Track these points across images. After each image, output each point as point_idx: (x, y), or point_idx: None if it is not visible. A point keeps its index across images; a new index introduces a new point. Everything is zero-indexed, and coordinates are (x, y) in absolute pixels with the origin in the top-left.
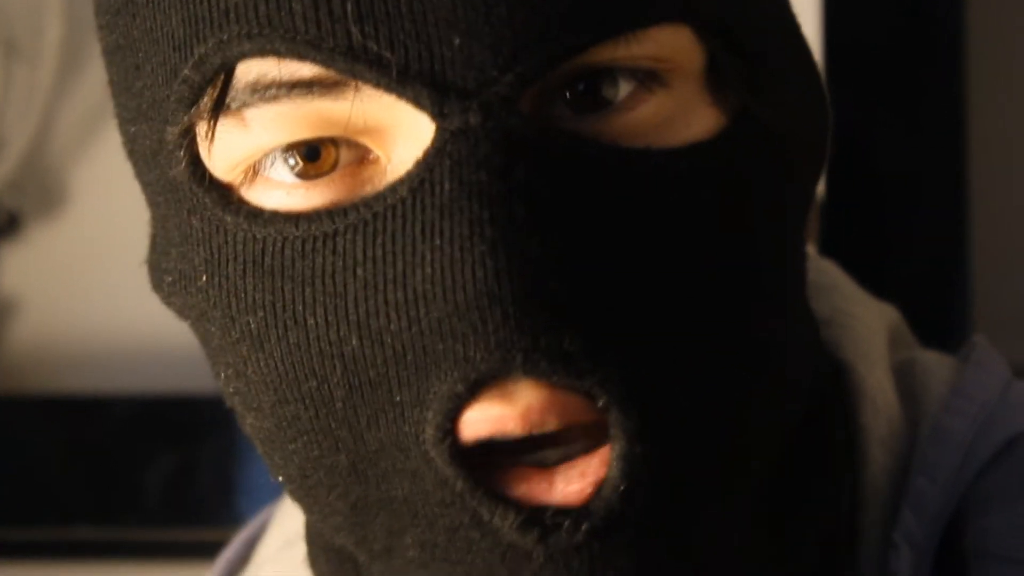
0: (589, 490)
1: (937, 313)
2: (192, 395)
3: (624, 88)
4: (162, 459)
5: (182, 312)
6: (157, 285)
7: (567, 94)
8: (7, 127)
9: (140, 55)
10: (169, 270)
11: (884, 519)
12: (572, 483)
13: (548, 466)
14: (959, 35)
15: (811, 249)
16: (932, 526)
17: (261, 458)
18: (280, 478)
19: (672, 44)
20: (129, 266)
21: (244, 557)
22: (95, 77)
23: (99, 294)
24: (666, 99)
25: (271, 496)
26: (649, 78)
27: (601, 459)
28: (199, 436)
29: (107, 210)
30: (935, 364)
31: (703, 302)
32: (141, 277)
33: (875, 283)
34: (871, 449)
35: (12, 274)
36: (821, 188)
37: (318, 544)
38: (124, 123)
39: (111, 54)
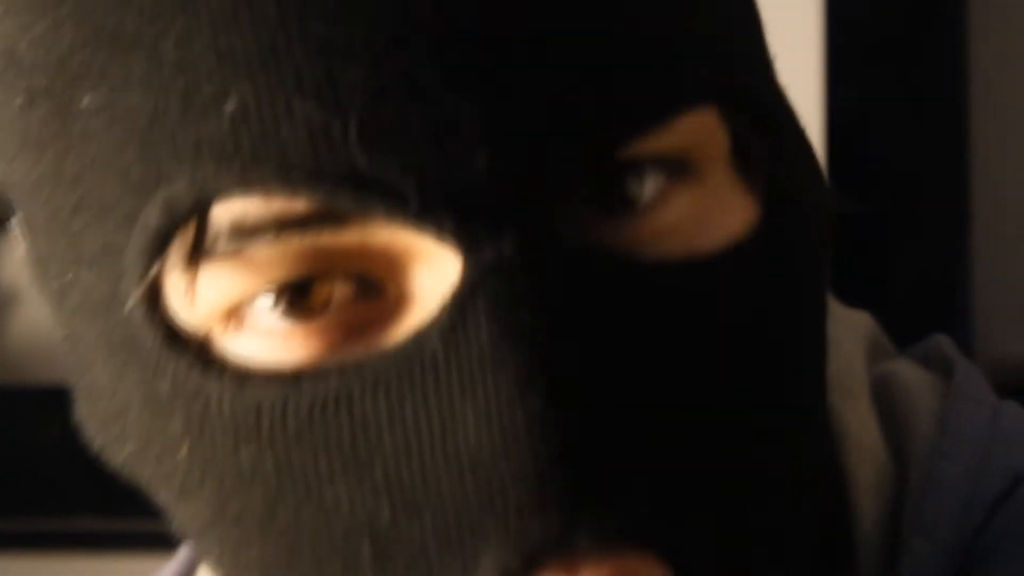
0: None
1: (939, 307)
2: None
3: (652, 183)
4: None
5: (152, 485)
6: (109, 450)
7: (588, 193)
8: None
9: (78, 193)
10: (127, 437)
11: (879, 572)
12: None
13: None
14: (961, 29)
15: None
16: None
17: None
18: None
19: (700, 127)
20: None
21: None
22: None
23: None
24: (698, 190)
25: None
26: (678, 169)
27: None
28: None
29: None
30: (916, 387)
31: (772, 430)
32: None
33: (876, 278)
34: (861, 499)
35: (11, 266)
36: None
37: None
38: (51, 271)
39: (32, 191)
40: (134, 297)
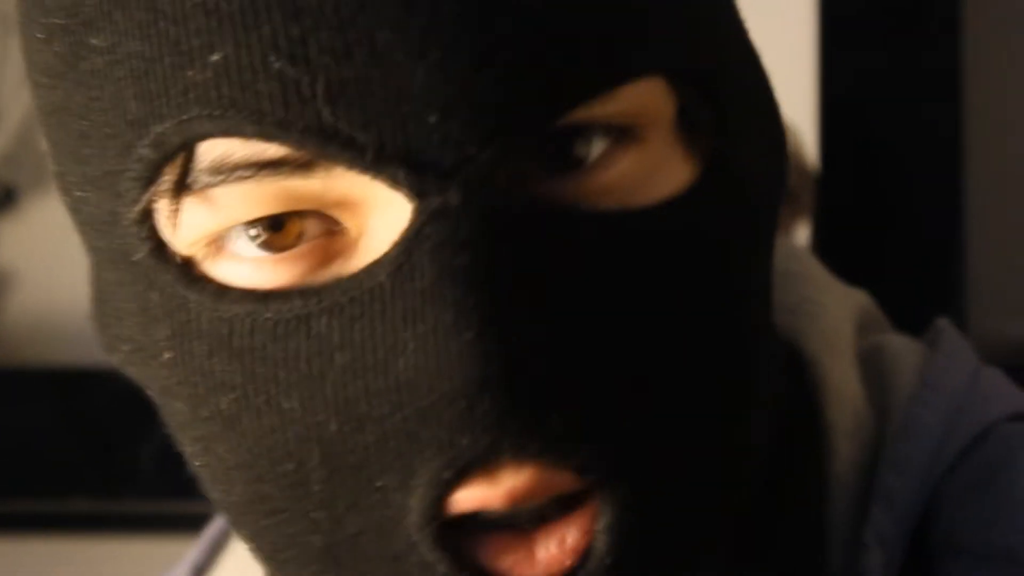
0: (570, 561)
1: (932, 287)
2: None
3: (598, 146)
4: (157, 432)
5: (141, 382)
6: (110, 349)
7: (538, 155)
8: (3, 100)
9: (86, 123)
10: (124, 339)
11: (852, 515)
12: (552, 551)
13: (524, 530)
14: (955, 6)
15: (782, 237)
16: (902, 523)
17: None
18: (250, 548)
19: (646, 97)
20: None
21: (210, 558)
22: None
23: None
24: (641, 154)
25: None
26: (623, 134)
27: (579, 525)
28: None
29: None
30: (903, 351)
31: (686, 365)
32: None
33: (869, 258)
34: (838, 443)
35: (8, 247)
36: (816, 163)
37: None
38: (67, 185)
39: (48, 115)
40: (128, 219)
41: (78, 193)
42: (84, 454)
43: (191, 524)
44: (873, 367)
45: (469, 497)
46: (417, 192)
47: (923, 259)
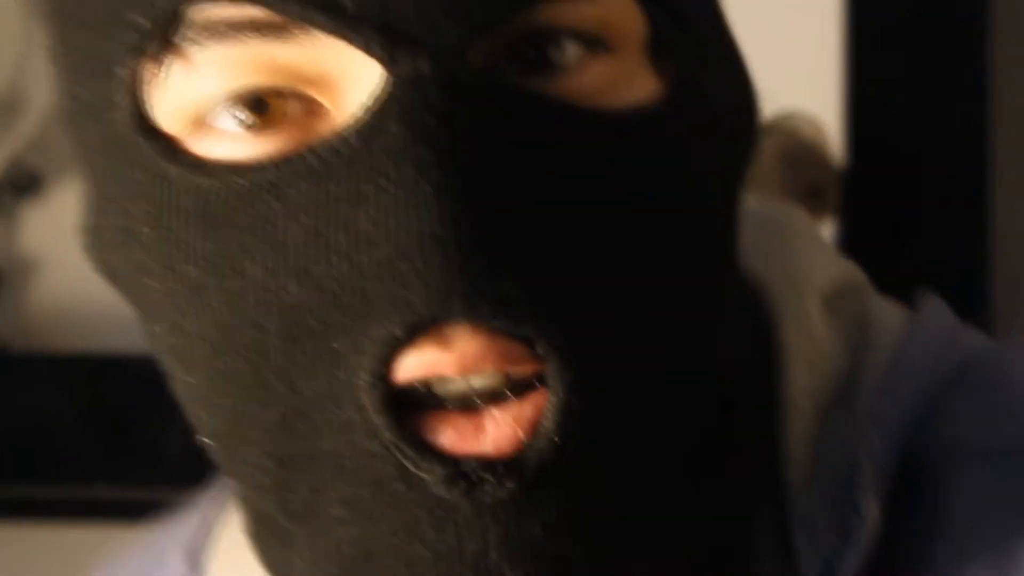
0: (520, 437)
1: (958, 285)
2: None
3: (570, 51)
4: (182, 418)
5: (118, 270)
6: (92, 246)
7: (513, 56)
8: (28, 86)
9: (83, 9)
10: (107, 227)
11: (808, 438)
12: (503, 428)
13: (476, 409)
14: (983, 5)
15: (777, 202)
16: (894, 441)
17: None
18: (206, 437)
19: (617, 10)
20: None
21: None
22: None
23: None
24: (611, 64)
25: None
26: (594, 43)
27: (532, 406)
28: None
29: None
30: (887, 305)
31: (640, 258)
32: None
33: (896, 256)
34: (794, 370)
35: (34, 234)
36: (843, 159)
37: (251, 516)
38: (65, 85)
39: (51, 16)
40: (116, 88)
41: (75, 89)
42: (107, 441)
43: None
44: (851, 313)
45: (420, 362)
46: (390, 59)
47: (950, 257)
